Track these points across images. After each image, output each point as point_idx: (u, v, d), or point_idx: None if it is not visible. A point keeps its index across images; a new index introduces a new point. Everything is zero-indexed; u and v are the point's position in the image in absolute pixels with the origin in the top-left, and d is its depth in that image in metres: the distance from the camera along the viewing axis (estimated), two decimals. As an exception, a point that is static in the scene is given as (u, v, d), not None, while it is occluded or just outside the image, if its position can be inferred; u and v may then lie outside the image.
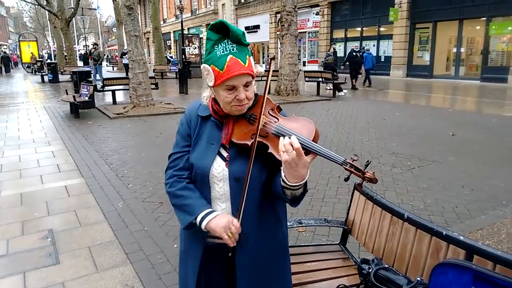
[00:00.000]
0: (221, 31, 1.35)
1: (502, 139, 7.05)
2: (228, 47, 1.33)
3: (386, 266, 1.76)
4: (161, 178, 5.11)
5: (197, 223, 1.39)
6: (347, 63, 16.65)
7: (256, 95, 1.46)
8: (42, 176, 5.33)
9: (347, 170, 1.26)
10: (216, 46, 1.34)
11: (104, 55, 31.47)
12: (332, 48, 17.26)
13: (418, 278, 1.58)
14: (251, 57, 1.39)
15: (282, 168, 1.28)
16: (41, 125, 9.17)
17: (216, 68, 1.33)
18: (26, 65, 35.69)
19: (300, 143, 1.24)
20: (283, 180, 1.29)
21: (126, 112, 10.62)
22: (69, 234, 3.61)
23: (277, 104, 1.47)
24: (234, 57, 1.32)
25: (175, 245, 3.36)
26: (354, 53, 16.20)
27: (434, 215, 3.93)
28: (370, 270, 1.72)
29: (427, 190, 4.62)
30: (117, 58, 36.57)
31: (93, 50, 20.76)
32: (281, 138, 1.25)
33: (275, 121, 1.39)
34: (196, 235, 1.48)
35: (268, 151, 1.33)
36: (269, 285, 1.51)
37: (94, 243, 3.43)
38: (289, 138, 1.22)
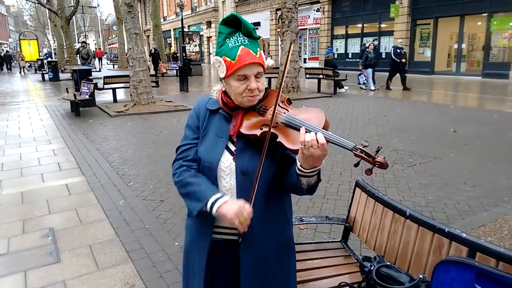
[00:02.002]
0: (233, 25, 1.37)
1: (504, 135, 7.02)
2: (239, 39, 1.36)
3: (388, 263, 1.75)
4: (162, 176, 5.13)
5: (208, 209, 1.36)
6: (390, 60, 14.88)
7: (266, 89, 1.46)
8: (43, 175, 5.33)
9: (357, 156, 1.25)
10: (228, 39, 1.37)
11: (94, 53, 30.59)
12: (372, 45, 15.46)
13: (421, 276, 1.57)
14: (262, 51, 1.41)
15: (297, 157, 1.28)
16: (42, 124, 9.17)
17: (228, 59, 1.35)
18: (27, 64, 35.53)
19: (310, 130, 1.24)
20: (299, 169, 1.28)
21: (127, 110, 10.61)
22: (70, 233, 3.60)
23: (287, 97, 1.47)
24: (246, 48, 1.35)
25: (176, 243, 3.36)
26: (398, 50, 14.36)
27: (435, 212, 3.91)
28: (372, 268, 1.71)
29: (429, 186, 4.61)
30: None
31: (81, 48, 20.20)
32: (302, 132, 1.23)
33: (284, 112, 1.38)
34: (202, 233, 1.47)
35: (277, 140, 1.33)
36: (273, 284, 1.49)
37: (95, 241, 3.42)
38: (315, 134, 1.22)
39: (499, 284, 1.28)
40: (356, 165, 1.27)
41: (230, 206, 1.33)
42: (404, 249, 1.91)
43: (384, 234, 2.06)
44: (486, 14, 17.40)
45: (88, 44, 22.33)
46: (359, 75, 15.18)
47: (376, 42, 16.32)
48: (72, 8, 27.48)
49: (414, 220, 1.88)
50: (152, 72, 20.61)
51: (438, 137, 7.00)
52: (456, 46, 19.48)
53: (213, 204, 1.35)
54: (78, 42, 21.96)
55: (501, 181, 4.73)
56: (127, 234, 3.55)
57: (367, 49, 15.20)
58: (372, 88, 14.73)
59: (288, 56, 1.41)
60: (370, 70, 14.81)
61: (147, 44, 45.89)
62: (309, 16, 27.60)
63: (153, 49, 23.97)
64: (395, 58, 14.19)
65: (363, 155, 1.24)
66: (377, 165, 1.23)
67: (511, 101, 11.57)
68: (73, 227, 3.72)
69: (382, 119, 8.90)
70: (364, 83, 14.97)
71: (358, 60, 23.29)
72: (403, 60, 14.16)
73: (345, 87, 14.55)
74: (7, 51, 41.69)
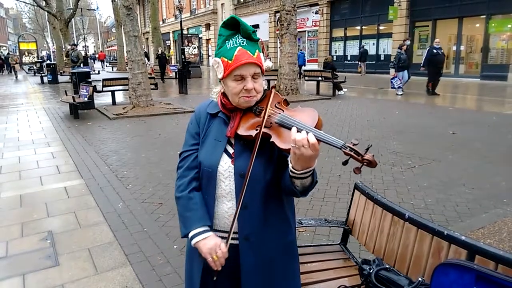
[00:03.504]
0: (233, 27, 1.39)
1: (502, 137, 7.03)
2: (238, 41, 1.38)
3: (387, 266, 1.74)
4: (161, 178, 5.13)
5: (189, 238, 1.42)
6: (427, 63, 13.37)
7: (264, 91, 1.46)
8: (42, 178, 5.32)
9: (346, 154, 1.24)
10: (227, 40, 1.39)
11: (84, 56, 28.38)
12: (405, 46, 13.95)
13: (420, 279, 1.56)
14: (261, 53, 1.43)
15: (289, 158, 1.27)
16: (41, 126, 9.16)
17: (225, 59, 1.37)
18: (27, 67, 35.36)
19: (301, 129, 1.23)
20: (291, 170, 1.27)
21: (126, 113, 10.61)
22: (69, 236, 3.59)
23: (284, 98, 1.47)
24: (243, 48, 1.36)
25: (175, 246, 3.35)
26: (435, 51, 12.96)
27: (435, 214, 3.91)
28: (371, 271, 1.70)
29: (428, 189, 4.61)
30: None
31: (71, 51, 19.51)
32: (294, 131, 1.23)
33: (279, 112, 1.39)
34: None
35: (271, 140, 1.32)
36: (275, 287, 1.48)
37: (94, 245, 3.41)
38: (306, 133, 1.21)
39: (498, 287, 1.28)
40: (345, 163, 1.25)
41: (207, 242, 1.38)
42: (403, 251, 1.91)
43: (383, 237, 2.06)
44: (484, 16, 17.45)
45: (87, 46, 21.86)
46: (392, 79, 13.88)
47: (408, 42, 14.69)
48: (71, 10, 27.49)
49: (413, 222, 1.87)
50: (151, 74, 20.46)
51: (437, 139, 7.01)
52: (454, 48, 19.52)
53: (193, 236, 1.40)
54: (68, 45, 20.83)
55: (500, 183, 4.73)
56: (126, 237, 3.54)
57: (399, 51, 13.86)
58: (399, 93, 13.68)
59: (268, 103, 1.40)
60: (404, 73, 13.73)
61: (146, 46, 45.93)
62: (307, 18, 27.65)
63: (160, 51, 23.36)
64: (433, 60, 12.99)
65: (352, 153, 1.23)
66: (365, 163, 1.21)
67: (510, 103, 11.59)
68: (71, 230, 3.71)
69: (381, 121, 8.91)
70: (399, 87, 13.74)
71: (357, 62, 23.51)
72: (440, 62, 12.99)
73: (344, 89, 14.56)
74: (8, 53, 41.72)
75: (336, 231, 3.35)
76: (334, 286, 1.94)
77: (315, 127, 1.28)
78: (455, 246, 1.63)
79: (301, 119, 1.32)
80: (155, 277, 2.89)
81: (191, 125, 1.53)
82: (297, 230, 3.50)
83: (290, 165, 1.27)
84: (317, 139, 1.22)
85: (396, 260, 1.95)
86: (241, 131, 1.39)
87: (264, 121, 1.34)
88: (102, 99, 13.69)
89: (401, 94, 13.59)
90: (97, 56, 59.03)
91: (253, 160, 1.33)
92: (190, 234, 1.41)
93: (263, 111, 1.38)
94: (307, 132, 1.21)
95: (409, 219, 1.90)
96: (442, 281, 1.40)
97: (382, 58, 22.73)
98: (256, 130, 1.36)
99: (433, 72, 13.26)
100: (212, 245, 1.37)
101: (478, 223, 3.65)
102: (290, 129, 1.29)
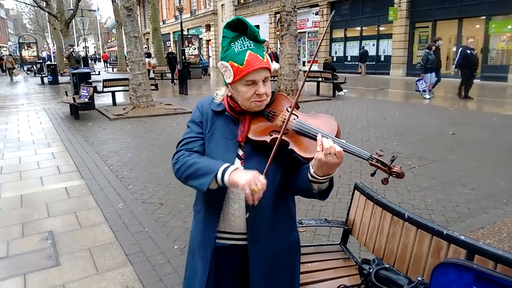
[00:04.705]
0: (237, 28, 1.36)
1: (503, 138, 7.04)
2: (245, 44, 1.35)
3: (386, 266, 1.75)
4: (161, 179, 5.13)
5: (219, 179, 1.28)
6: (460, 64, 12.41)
7: (273, 93, 1.45)
8: (42, 178, 5.33)
9: (373, 165, 1.23)
10: (233, 43, 1.35)
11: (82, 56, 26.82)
12: (434, 46, 12.76)
13: (419, 278, 1.57)
14: (268, 54, 1.41)
15: (311, 163, 1.27)
16: (41, 127, 9.17)
17: (235, 64, 1.34)
18: (26, 68, 35.34)
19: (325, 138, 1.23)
20: (312, 175, 1.27)
21: (126, 113, 10.61)
22: (70, 236, 3.60)
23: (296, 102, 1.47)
24: (253, 52, 1.33)
25: (176, 246, 3.36)
26: (469, 51, 12.13)
27: (435, 214, 3.92)
28: (371, 270, 1.71)
29: (428, 189, 4.61)
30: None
31: (72, 51, 18.73)
32: (319, 140, 1.22)
33: (294, 118, 1.37)
34: (205, 239, 1.46)
35: (289, 147, 1.32)
36: (280, 284, 1.50)
37: (95, 245, 3.42)
38: (331, 142, 1.20)
39: (497, 286, 1.29)
40: (373, 174, 1.25)
41: (243, 173, 1.26)
42: (403, 251, 1.92)
43: (383, 237, 2.07)
44: (484, 17, 17.47)
45: (88, 47, 21.60)
46: (418, 80, 13.09)
47: (440, 42, 13.24)
48: (72, 11, 27.48)
49: (413, 222, 1.89)
50: (152, 74, 20.44)
51: (437, 140, 7.01)
52: (454, 49, 19.52)
53: (224, 172, 1.28)
54: (70, 46, 20.22)
55: (500, 183, 4.74)
56: (126, 237, 3.55)
57: (427, 51, 12.78)
58: (427, 96, 12.74)
59: (290, 112, 1.38)
60: (432, 75, 12.76)
61: (146, 47, 45.90)
62: (308, 19, 27.68)
63: (170, 49, 22.37)
64: (467, 61, 12.14)
65: (379, 164, 1.22)
66: (394, 175, 1.21)
67: (510, 104, 11.60)
68: (72, 231, 3.72)
69: (381, 122, 8.92)
70: (424, 90, 12.87)
71: (357, 63, 23.52)
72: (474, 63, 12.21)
73: (344, 90, 14.57)
74: (4, 55, 41.74)
75: (336, 231, 3.36)
76: (334, 286, 1.95)
77: (335, 136, 1.28)
78: (455, 246, 1.64)
79: (319, 126, 1.31)
80: (156, 277, 2.90)
81: (196, 114, 1.48)
82: (297, 230, 3.51)
83: (311, 170, 1.27)
84: (344, 150, 1.22)
85: (396, 260, 1.96)
86: (254, 136, 1.37)
87: (283, 128, 1.32)
88: (103, 100, 13.70)
89: (429, 98, 12.65)
90: (98, 57, 59.09)
91: (268, 167, 1.31)
92: (220, 172, 1.28)
93: (279, 117, 1.37)
94: (333, 141, 1.22)
95: (408, 219, 1.91)
96: (441, 280, 1.40)
97: (382, 59, 22.75)
98: (271, 135, 1.35)
99: (468, 74, 12.48)
100: (251, 176, 1.23)
101: (478, 224, 3.66)
102: (309, 137, 1.29)
